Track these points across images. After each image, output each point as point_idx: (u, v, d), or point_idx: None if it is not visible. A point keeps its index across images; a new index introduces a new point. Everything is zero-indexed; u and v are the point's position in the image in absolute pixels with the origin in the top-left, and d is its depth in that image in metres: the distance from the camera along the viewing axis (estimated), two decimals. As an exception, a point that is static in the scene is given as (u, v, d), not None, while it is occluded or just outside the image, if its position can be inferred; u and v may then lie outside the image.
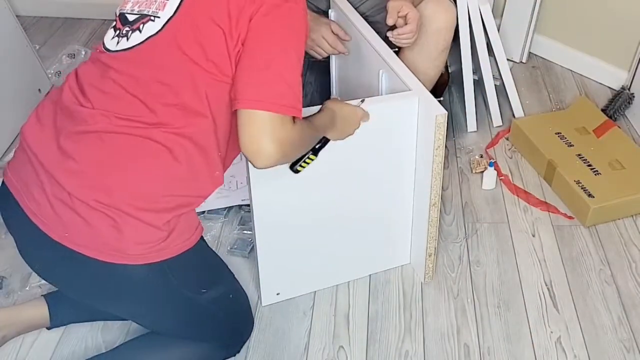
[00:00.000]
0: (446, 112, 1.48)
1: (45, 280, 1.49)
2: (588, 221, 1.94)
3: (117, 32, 1.33)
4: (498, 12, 2.67)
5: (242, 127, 1.22)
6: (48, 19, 3.04)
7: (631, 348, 1.61)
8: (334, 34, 1.84)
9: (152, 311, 1.39)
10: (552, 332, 1.65)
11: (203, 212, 1.96)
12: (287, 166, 1.45)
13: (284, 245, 1.62)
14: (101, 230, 1.21)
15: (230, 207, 1.99)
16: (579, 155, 2.10)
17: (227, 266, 1.58)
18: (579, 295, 1.75)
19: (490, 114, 2.39)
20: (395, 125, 1.56)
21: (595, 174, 2.02)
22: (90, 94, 1.27)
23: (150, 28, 1.28)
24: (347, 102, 1.50)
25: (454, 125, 2.38)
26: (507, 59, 2.38)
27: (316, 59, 1.92)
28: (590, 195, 1.94)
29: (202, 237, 1.40)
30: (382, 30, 1.90)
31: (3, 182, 1.32)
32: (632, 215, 1.99)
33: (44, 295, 1.62)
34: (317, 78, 2.16)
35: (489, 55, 2.28)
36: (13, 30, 2.26)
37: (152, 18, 1.29)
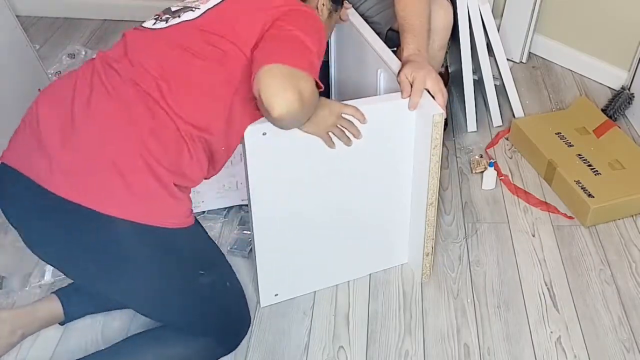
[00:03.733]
0: (443, 111, 1.48)
1: (47, 262, 1.49)
2: (588, 221, 1.94)
3: (157, 17, 1.44)
4: (498, 12, 2.67)
5: (265, 77, 1.24)
6: (48, 19, 3.04)
7: (631, 348, 1.61)
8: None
9: (149, 287, 1.38)
10: (552, 332, 1.65)
11: (203, 212, 1.96)
12: (285, 165, 1.45)
13: (283, 246, 1.62)
14: (110, 182, 1.25)
15: (230, 207, 1.99)
16: (579, 155, 2.10)
17: (224, 256, 1.58)
18: (579, 295, 1.74)
19: (490, 114, 2.39)
20: (392, 125, 1.56)
21: (595, 174, 2.02)
22: (120, 64, 1.34)
23: (188, 15, 1.40)
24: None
25: (453, 125, 2.38)
26: (507, 59, 2.38)
27: None
28: (590, 195, 1.94)
29: (201, 226, 1.47)
30: (381, 30, 1.90)
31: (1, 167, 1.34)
32: (632, 215, 1.99)
33: (54, 292, 1.64)
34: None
35: (489, 55, 2.28)
36: (13, 30, 2.26)
37: (193, 9, 1.41)
